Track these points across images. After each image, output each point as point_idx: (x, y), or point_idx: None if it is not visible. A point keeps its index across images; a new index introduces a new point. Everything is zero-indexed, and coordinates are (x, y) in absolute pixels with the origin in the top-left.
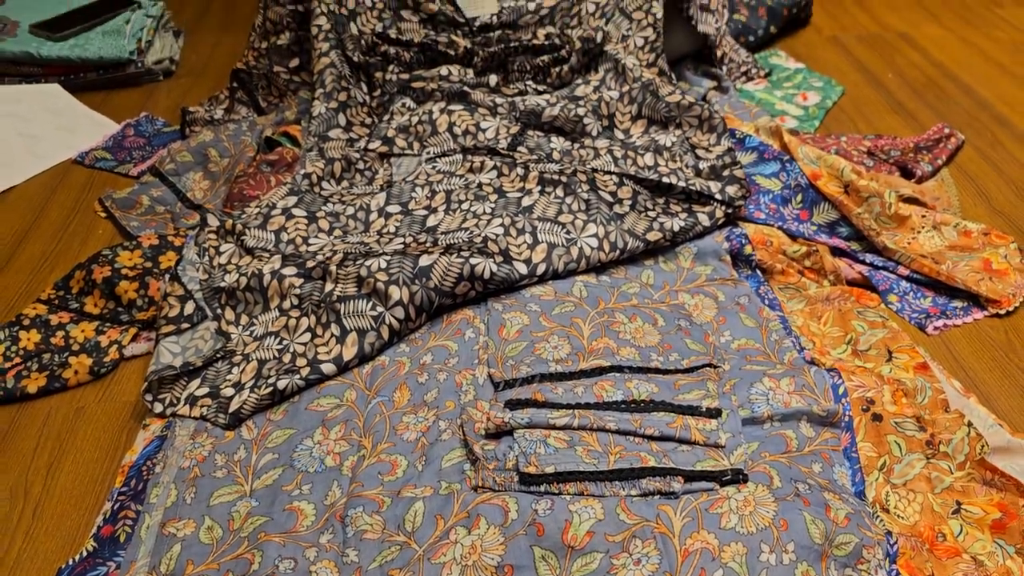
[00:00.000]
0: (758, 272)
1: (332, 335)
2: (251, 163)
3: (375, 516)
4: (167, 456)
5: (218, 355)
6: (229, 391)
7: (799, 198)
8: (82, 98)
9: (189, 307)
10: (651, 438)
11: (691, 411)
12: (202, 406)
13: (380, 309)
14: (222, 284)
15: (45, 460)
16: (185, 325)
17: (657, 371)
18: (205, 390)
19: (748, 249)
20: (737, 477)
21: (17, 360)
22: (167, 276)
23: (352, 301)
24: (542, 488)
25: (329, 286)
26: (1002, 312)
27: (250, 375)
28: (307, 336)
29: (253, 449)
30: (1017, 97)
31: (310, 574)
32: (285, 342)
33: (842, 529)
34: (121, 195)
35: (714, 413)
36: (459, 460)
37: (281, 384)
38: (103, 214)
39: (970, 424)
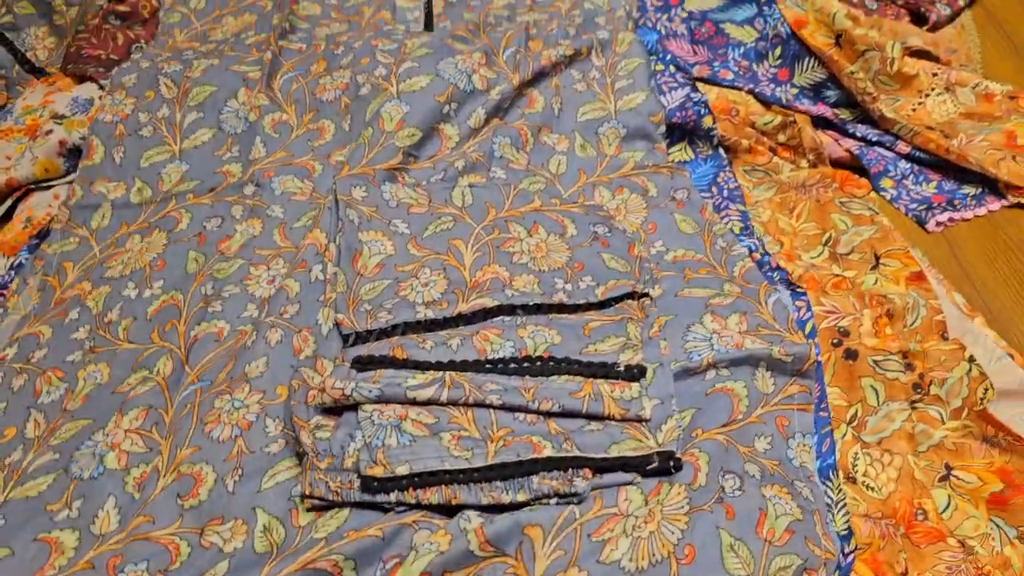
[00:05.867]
0: (720, 152)
1: None
2: (97, 13)
3: None
4: None
5: None
6: None
7: (777, 52)
8: None
9: None
10: (549, 414)
11: (604, 372)
12: None
13: None
14: None
15: None
16: None
17: (561, 308)
18: None
19: (708, 121)
20: (667, 463)
21: None
22: None
23: None
24: (392, 498)
25: None
26: None
27: None
28: None
29: (34, 447)
30: None
31: None
32: None
33: (778, 549)
34: None
35: (635, 373)
36: (289, 478)
37: None
38: None
39: (972, 360)
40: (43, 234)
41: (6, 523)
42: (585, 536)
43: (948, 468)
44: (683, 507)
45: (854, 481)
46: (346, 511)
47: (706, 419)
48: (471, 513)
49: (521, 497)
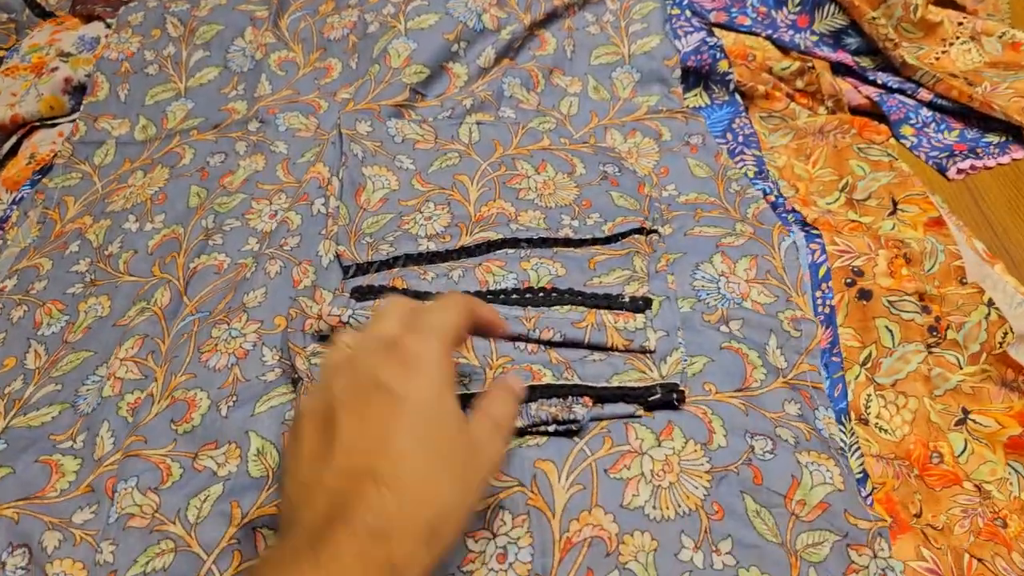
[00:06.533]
0: (736, 98)
1: None
2: None
3: (150, 495)
4: None
5: None
6: None
7: None
8: None
9: None
10: (550, 344)
11: (608, 303)
12: None
13: None
14: None
15: None
16: None
17: (567, 242)
18: None
19: (723, 65)
20: (671, 396)
21: None
22: None
23: None
24: None
25: None
26: None
27: None
28: None
29: (35, 378)
30: None
31: None
32: None
33: (805, 524)
34: None
35: (640, 305)
36: (283, 403)
37: None
38: None
39: (991, 303)
40: (46, 170)
41: (8, 447)
42: (601, 472)
43: (965, 412)
44: (703, 464)
45: (866, 423)
46: None
47: (719, 375)
48: None
49: (519, 423)
